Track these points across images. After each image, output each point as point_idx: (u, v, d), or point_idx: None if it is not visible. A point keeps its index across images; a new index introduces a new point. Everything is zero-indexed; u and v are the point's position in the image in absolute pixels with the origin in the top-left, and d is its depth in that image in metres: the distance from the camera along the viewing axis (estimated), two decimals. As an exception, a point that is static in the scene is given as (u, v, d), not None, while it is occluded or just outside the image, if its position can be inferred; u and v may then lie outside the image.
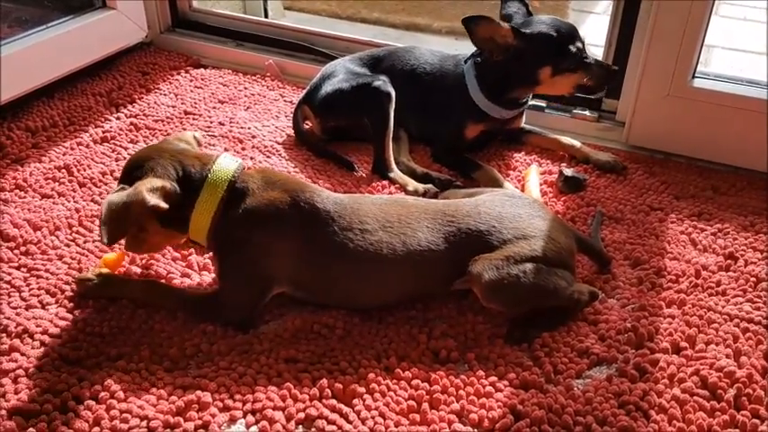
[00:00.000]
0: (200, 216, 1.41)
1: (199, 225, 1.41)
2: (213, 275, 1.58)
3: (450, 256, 1.45)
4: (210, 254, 1.57)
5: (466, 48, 2.06)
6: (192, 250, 1.64)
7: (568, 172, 1.97)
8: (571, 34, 1.93)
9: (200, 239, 1.45)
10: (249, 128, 2.20)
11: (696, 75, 2.08)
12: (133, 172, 1.39)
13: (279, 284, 1.46)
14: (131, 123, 2.19)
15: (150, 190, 1.33)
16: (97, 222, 1.72)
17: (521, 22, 1.95)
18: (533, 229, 1.48)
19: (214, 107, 2.33)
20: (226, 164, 1.44)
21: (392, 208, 1.49)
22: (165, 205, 1.34)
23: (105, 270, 1.55)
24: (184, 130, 2.17)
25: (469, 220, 1.47)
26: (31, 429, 1.22)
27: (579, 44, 1.93)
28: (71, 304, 1.49)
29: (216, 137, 2.14)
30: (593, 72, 1.95)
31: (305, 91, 2.16)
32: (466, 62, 2.03)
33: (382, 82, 2.02)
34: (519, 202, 1.55)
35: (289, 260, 1.44)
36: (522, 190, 1.88)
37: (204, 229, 1.42)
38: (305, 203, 1.43)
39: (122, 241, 1.46)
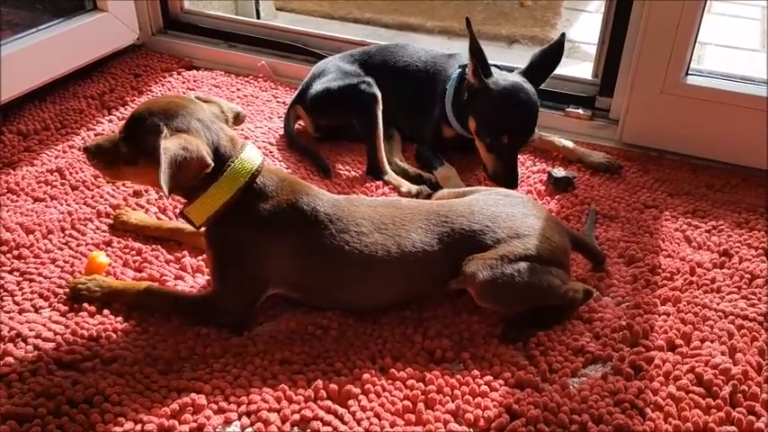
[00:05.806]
0: (211, 198, 1.37)
1: (206, 206, 1.38)
2: (207, 278, 1.57)
3: (445, 257, 1.44)
4: (204, 255, 1.57)
5: (459, 48, 2.04)
6: (186, 253, 1.64)
7: (558, 173, 1.96)
8: (516, 124, 1.83)
9: (197, 218, 1.41)
10: (242, 129, 2.19)
11: (689, 72, 2.09)
12: (174, 120, 1.34)
13: (274, 286, 1.46)
14: (124, 126, 2.18)
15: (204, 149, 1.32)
16: (90, 225, 1.71)
17: (505, 74, 1.88)
18: (527, 228, 1.48)
19: (207, 109, 2.31)
20: (252, 156, 1.42)
21: (386, 210, 1.49)
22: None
23: (97, 275, 1.53)
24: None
25: (463, 220, 1.47)
26: (24, 434, 1.21)
27: (509, 139, 1.83)
28: (64, 308, 1.48)
29: (209, 138, 2.13)
30: (498, 168, 1.86)
31: (297, 90, 2.16)
32: (460, 68, 1.97)
33: (367, 84, 2.01)
34: (512, 202, 1.55)
35: (286, 262, 1.43)
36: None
37: (208, 212, 1.39)
38: (306, 206, 1.43)
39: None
